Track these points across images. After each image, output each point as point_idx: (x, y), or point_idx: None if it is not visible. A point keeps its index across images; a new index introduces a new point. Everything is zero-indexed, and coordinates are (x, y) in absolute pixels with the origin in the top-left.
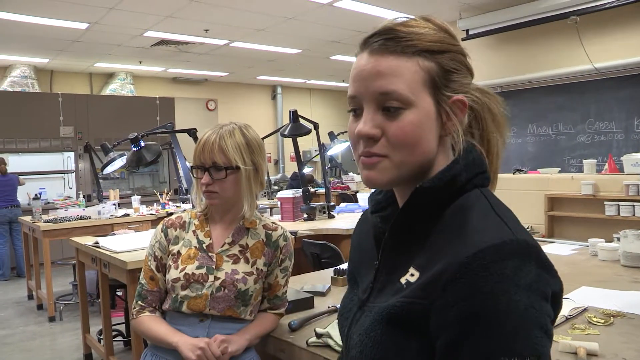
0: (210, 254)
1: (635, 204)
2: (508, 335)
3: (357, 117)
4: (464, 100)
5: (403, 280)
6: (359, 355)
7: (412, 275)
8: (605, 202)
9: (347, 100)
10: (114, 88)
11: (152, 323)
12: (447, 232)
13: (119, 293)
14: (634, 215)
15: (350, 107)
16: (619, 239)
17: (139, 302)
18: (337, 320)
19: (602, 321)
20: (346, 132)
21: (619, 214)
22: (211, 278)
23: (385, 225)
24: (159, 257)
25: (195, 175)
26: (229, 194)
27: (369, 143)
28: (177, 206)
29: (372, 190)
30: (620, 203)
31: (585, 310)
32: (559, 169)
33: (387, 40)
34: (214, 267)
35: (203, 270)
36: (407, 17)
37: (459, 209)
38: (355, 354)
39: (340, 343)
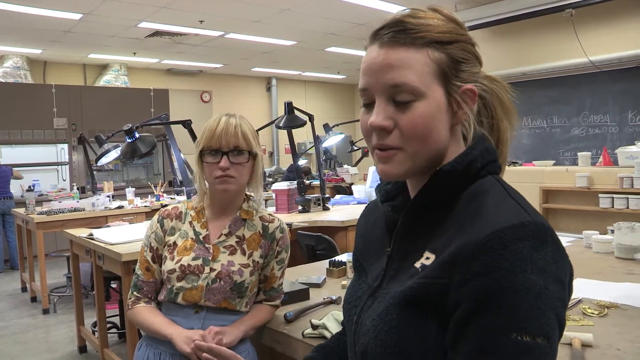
0: (207, 246)
1: (629, 196)
2: (522, 313)
3: (368, 110)
4: (474, 89)
5: (418, 265)
6: (373, 340)
7: (427, 258)
8: (600, 195)
9: (359, 93)
10: (108, 79)
11: (147, 314)
12: (463, 215)
13: (114, 285)
14: (627, 207)
15: (362, 100)
16: (613, 231)
17: (135, 292)
18: (332, 312)
19: (597, 312)
20: (342, 124)
21: (613, 207)
22: (207, 269)
23: (396, 214)
24: (154, 248)
25: (204, 160)
26: (244, 180)
27: (381, 135)
28: (171, 198)
29: (369, 181)
30: (614, 195)
31: (579, 301)
32: (554, 161)
33: (397, 32)
34: (210, 258)
35: (199, 262)
36: (415, 8)
37: (474, 194)
38: (369, 340)
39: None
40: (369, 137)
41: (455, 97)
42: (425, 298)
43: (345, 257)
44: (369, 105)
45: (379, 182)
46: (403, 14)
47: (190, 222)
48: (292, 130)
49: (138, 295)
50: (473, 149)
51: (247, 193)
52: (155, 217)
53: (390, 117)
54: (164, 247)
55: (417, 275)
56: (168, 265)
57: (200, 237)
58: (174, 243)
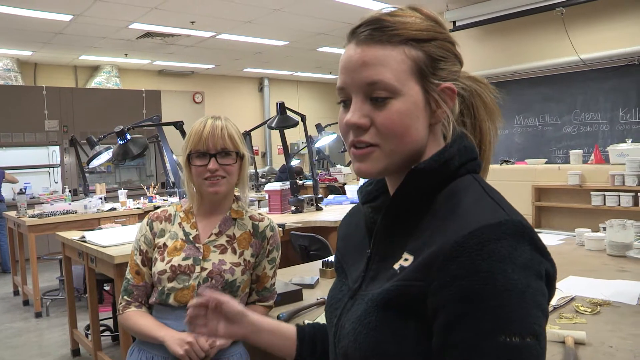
0: (197, 245)
1: (620, 193)
2: (507, 314)
3: (346, 108)
4: (453, 87)
5: (397, 266)
6: (352, 344)
7: (405, 260)
8: (592, 192)
9: (337, 92)
10: (100, 81)
11: (138, 318)
12: (440, 215)
13: (107, 288)
14: (619, 205)
15: (339, 98)
16: (605, 229)
17: (125, 297)
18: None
19: (589, 310)
20: (334, 124)
21: (604, 204)
22: (198, 269)
23: (376, 215)
24: (144, 251)
25: (192, 164)
26: (233, 181)
27: (358, 132)
28: (164, 199)
29: (361, 182)
30: (606, 193)
31: (572, 299)
32: (546, 159)
33: (374, 30)
34: (200, 257)
35: (189, 262)
36: (395, 7)
37: (451, 193)
38: (348, 343)
39: None
40: (347, 135)
41: (434, 96)
42: (403, 300)
43: None
44: (347, 104)
45: (362, 183)
46: (381, 13)
47: (180, 223)
48: (285, 130)
49: (129, 299)
50: (450, 147)
51: (236, 194)
52: (145, 220)
53: (367, 115)
54: (154, 249)
55: (396, 277)
56: (158, 266)
57: (190, 237)
58: (164, 244)
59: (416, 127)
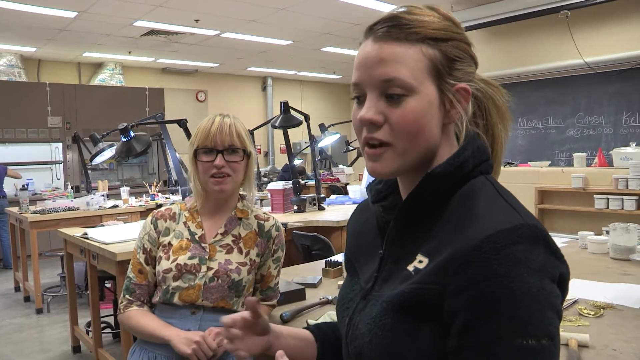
0: (203, 245)
1: (624, 197)
2: (523, 318)
3: (360, 105)
4: (468, 88)
5: (411, 268)
6: (367, 344)
7: (420, 262)
8: (595, 196)
9: (351, 87)
10: (103, 78)
11: (140, 317)
12: (455, 218)
13: (108, 285)
14: (622, 208)
15: (353, 94)
16: (608, 232)
17: (127, 296)
18: (329, 312)
19: (593, 313)
20: (337, 124)
21: (608, 207)
22: (204, 268)
23: (388, 215)
24: (148, 250)
25: (199, 159)
26: (239, 179)
27: (371, 128)
28: (166, 197)
29: (367, 181)
30: (609, 196)
31: (575, 302)
32: (549, 162)
33: (391, 27)
34: (206, 257)
35: (195, 261)
36: (412, 6)
37: (465, 195)
38: (363, 344)
39: None
40: (360, 131)
41: (448, 96)
42: (418, 303)
43: (340, 257)
44: (361, 100)
45: (371, 181)
46: (399, 10)
47: (185, 223)
48: (288, 130)
49: (130, 298)
50: (464, 150)
51: (241, 192)
52: (148, 218)
53: (381, 112)
54: (158, 248)
55: (410, 280)
56: (163, 265)
57: (196, 236)
58: (169, 243)
59: (430, 126)
